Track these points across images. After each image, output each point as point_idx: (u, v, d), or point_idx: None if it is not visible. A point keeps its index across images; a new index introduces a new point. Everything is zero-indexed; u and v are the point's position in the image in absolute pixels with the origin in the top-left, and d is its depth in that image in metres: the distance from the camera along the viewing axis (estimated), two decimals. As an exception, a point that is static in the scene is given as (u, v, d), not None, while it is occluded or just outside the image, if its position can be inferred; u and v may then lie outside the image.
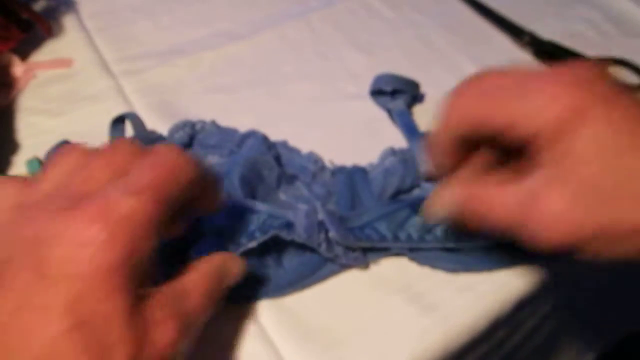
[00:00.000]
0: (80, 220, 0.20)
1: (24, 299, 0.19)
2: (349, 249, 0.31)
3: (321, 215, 0.30)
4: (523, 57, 0.46)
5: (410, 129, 0.38)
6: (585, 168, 0.21)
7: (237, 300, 0.30)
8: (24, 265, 0.20)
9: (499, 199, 0.24)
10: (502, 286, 0.32)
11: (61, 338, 0.19)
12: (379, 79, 0.41)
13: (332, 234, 0.30)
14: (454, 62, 0.45)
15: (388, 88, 0.40)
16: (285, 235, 0.29)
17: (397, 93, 0.40)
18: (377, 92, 0.41)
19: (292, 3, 0.50)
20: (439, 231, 0.31)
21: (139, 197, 0.21)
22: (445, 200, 0.27)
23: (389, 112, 0.40)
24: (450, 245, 0.31)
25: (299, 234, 0.30)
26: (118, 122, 0.36)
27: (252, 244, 0.29)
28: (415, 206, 0.31)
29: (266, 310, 0.30)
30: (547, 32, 0.47)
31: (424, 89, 0.41)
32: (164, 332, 0.21)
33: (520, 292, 0.32)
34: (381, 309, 0.31)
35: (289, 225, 0.30)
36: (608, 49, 0.46)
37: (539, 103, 0.21)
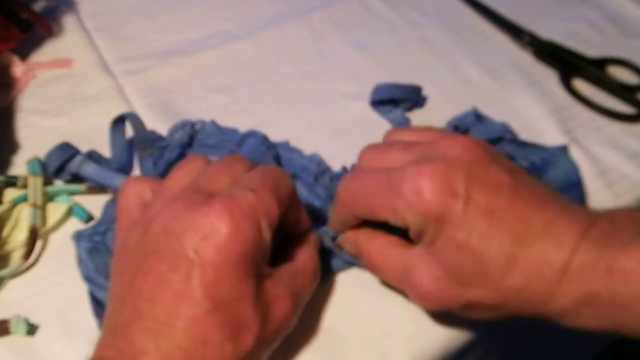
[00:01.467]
0: (208, 215, 0.23)
1: (164, 287, 0.22)
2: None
3: (328, 243, 0.31)
4: (523, 57, 0.46)
5: None
6: (446, 256, 0.24)
7: None
8: (161, 256, 0.23)
9: (382, 260, 0.28)
10: (502, 286, 0.32)
11: (203, 319, 0.22)
12: (377, 89, 0.41)
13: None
14: (454, 62, 0.45)
15: (386, 98, 0.40)
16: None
17: (396, 101, 0.40)
18: (376, 102, 0.41)
19: (292, 3, 0.50)
20: None
21: (256, 193, 0.24)
22: (345, 246, 0.31)
23: (390, 122, 0.40)
24: None
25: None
26: (118, 122, 0.36)
27: None
28: None
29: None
30: (547, 32, 0.47)
31: (424, 89, 0.41)
32: (281, 308, 0.24)
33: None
34: (381, 309, 0.31)
35: None
36: (608, 49, 0.46)
37: (405, 202, 0.24)
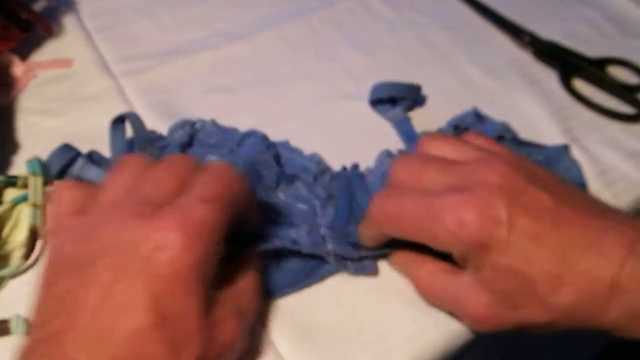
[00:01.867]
0: (160, 227, 0.22)
1: (107, 297, 0.21)
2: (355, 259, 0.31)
3: (323, 230, 0.31)
4: (523, 57, 0.46)
5: (410, 138, 0.38)
6: (494, 281, 0.25)
7: None
8: (105, 265, 0.22)
9: (431, 288, 0.29)
10: (502, 286, 0.32)
11: (145, 333, 0.21)
12: (377, 88, 0.41)
13: (333, 247, 0.30)
14: (454, 62, 0.45)
15: (385, 96, 0.40)
16: (292, 247, 0.30)
17: (396, 100, 0.40)
18: (376, 101, 0.41)
19: (292, 3, 0.50)
20: None
21: (209, 206, 0.23)
22: (394, 267, 0.31)
23: (390, 120, 0.40)
24: None
25: (305, 248, 0.30)
26: (118, 122, 0.36)
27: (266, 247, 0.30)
28: None
29: (266, 311, 0.30)
30: (547, 32, 0.47)
31: (424, 88, 0.41)
32: (226, 329, 0.24)
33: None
34: (381, 309, 0.31)
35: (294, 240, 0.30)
36: (608, 49, 0.46)
37: (448, 231, 0.24)
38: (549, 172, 0.27)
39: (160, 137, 0.37)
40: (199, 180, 0.25)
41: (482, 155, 0.28)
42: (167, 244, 0.22)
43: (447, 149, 0.29)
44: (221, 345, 0.23)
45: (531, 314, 0.25)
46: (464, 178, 0.26)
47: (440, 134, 0.31)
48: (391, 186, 0.29)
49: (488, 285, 0.25)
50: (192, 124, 0.37)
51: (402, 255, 0.30)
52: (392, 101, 0.40)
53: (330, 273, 0.31)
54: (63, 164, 0.35)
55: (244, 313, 0.26)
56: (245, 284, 0.27)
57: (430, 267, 0.28)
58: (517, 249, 0.24)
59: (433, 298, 0.29)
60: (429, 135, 0.31)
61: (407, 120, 0.39)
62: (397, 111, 0.40)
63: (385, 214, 0.27)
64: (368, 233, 0.30)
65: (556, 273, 0.24)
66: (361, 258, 0.31)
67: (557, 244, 0.24)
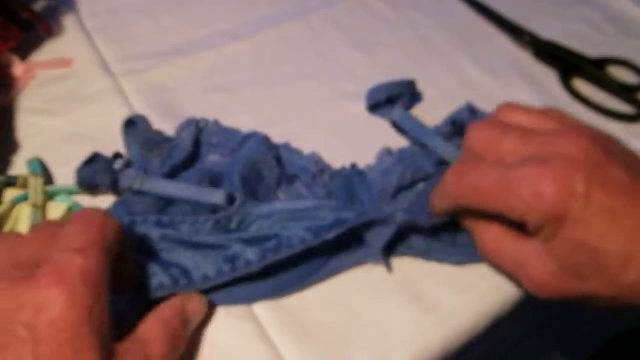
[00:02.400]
0: (38, 287, 0.21)
1: None
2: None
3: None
4: (523, 57, 0.46)
5: (420, 131, 0.37)
6: (564, 252, 0.25)
7: (237, 302, 0.30)
8: None
9: (496, 247, 0.28)
10: (502, 286, 0.32)
11: None
12: (372, 92, 0.40)
13: (402, 216, 0.30)
14: (454, 62, 0.45)
15: (382, 98, 0.40)
16: (359, 220, 0.30)
17: (393, 100, 0.40)
18: (374, 106, 0.40)
19: (292, 3, 0.50)
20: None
21: (84, 254, 0.22)
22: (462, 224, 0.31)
23: (393, 123, 0.39)
24: None
25: (373, 217, 0.30)
26: (129, 125, 0.36)
27: (331, 235, 0.29)
28: None
29: (266, 310, 0.30)
30: (547, 32, 0.47)
31: (424, 88, 0.41)
32: None
33: (520, 292, 0.32)
34: (381, 309, 0.31)
35: (339, 222, 0.30)
36: (608, 49, 0.46)
37: (525, 203, 0.25)
38: (627, 148, 0.27)
39: (167, 139, 0.36)
40: (68, 232, 0.23)
41: (562, 127, 0.27)
42: (47, 303, 0.20)
43: (525, 118, 0.29)
44: None
45: (596, 287, 0.25)
46: (542, 149, 0.26)
47: (519, 104, 0.30)
48: (467, 154, 0.29)
49: (556, 255, 0.25)
50: (197, 122, 0.37)
51: (470, 216, 0.30)
52: (389, 101, 0.40)
53: (331, 273, 0.31)
54: (94, 177, 0.33)
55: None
56: (153, 333, 0.25)
57: (498, 229, 0.28)
58: (591, 223, 0.24)
59: (497, 258, 0.29)
60: (508, 104, 0.30)
61: (411, 116, 0.39)
62: (397, 110, 0.39)
63: (461, 188, 0.27)
64: (441, 205, 0.30)
65: (628, 250, 0.24)
66: (432, 228, 0.31)
67: (631, 221, 0.24)
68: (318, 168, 0.35)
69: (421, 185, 0.35)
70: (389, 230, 0.31)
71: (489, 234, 0.29)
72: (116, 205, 0.33)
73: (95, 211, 0.25)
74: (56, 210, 0.34)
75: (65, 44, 0.46)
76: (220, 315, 0.30)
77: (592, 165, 0.24)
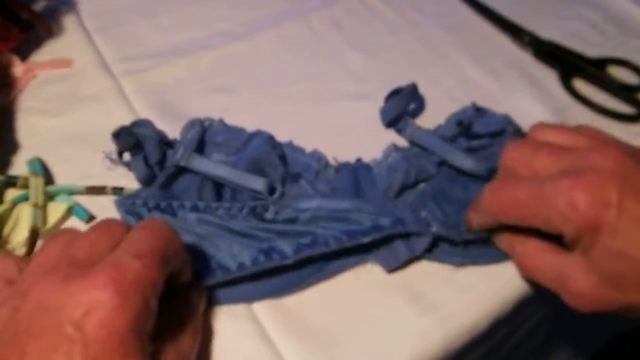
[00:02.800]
0: (91, 286, 0.21)
1: None
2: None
3: (424, 214, 0.32)
4: (523, 57, 0.46)
5: (439, 146, 0.36)
6: (603, 263, 0.25)
7: (237, 301, 0.30)
8: (36, 335, 0.20)
9: (536, 263, 0.29)
10: (502, 286, 0.32)
11: None
12: (385, 110, 0.39)
13: (437, 229, 0.31)
14: (454, 62, 0.45)
15: (396, 114, 0.39)
16: (397, 230, 0.30)
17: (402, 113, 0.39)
18: (390, 123, 0.40)
19: (292, 3, 0.50)
20: None
21: (143, 261, 0.22)
22: (500, 245, 0.31)
23: (410, 142, 0.38)
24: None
25: (410, 228, 0.31)
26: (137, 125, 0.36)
27: (366, 240, 0.30)
28: None
29: (266, 310, 0.30)
30: (547, 32, 0.47)
31: (424, 89, 0.41)
32: None
33: (520, 292, 0.32)
34: (381, 309, 0.31)
35: (376, 228, 0.31)
36: (608, 49, 0.46)
37: (560, 214, 0.25)
38: None
39: (172, 141, 0.36)
40: (131, 237, 0.24)
41: (595, 143, 0.28)
42: (98, 304, 0.20)
43: (559, 136, 0.29)
44: None
45: (637, 297, 0.25)
46: (576, 163, 0.26)
47: (552, 123, 0.31)
48: (502, 173, 0.30)
49: (596, 266, 0.26)
50: (201, 122, 0.37)
51: (507, 233, 0.30)
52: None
53: (331, 274, 0.31)
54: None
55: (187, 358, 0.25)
56: (186, 334, 0.26)
57: (536, 244, 0.29)
58: (627, 232, 0.24)
59: (537, 273, 0.29)
60: (540, 123, 0.31)
61: (424, 131, 0.37)
62: (410, 126, 0.38)
63: (498, 203, 0.28)
64: (479, 220, 0.30)
65: None
66: (465, 241, 0.31)
67: None
68: (320, 164, 0.35)
69: (422, 186, 0.35)
70: (425, 240, 0.31)
71: (528, 250, 0.29)
72: (126, 198, 0.33)
73: (161, 222, 0.25)
74: (56, 210, 0.34)
75: (65, 44, 0.46)
76: (220, 315, 0.30)
77: (624, 176, 0.25)
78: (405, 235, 0.31)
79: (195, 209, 0.31)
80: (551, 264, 0.28)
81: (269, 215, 0.32)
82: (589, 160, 0.26)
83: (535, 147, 0.29)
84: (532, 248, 0.29)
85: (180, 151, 0.33)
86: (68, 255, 0.23)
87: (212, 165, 0.33)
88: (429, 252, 0.32)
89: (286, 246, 0.30)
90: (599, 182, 0.25)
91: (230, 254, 0.29)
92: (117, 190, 0.34)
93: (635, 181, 0.25)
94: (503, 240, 0.31)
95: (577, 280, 0.26)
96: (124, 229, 0.25)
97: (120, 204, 0.32)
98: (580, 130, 0.30)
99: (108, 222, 0.25)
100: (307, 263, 0.31)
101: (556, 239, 0.27)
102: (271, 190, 0.32)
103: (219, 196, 0.33)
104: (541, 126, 0.31)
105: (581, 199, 0.25)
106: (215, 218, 0.31)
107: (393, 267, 0.31)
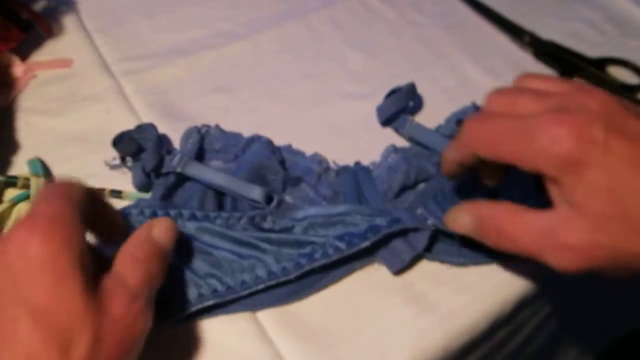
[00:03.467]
0: (12, 239, 0.22)
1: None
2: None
3: (420, 210, 0.32)
4: (523, 57, 0.46)
5: (439, 142, 0.36)
6: (590, 203, 0.24)
7: (242, 310, 0.30)
8: None
9: (513, 225, 0.26)
10: (502, 286, 0.32)
11: (24, 334, 0.21)
12: (381, 108, 0.40)
13: (434, 222, 0.31)
14: (454, 62, 0.45)
15: (392, 112, 0.39)
16: (395, 227, 0.30)
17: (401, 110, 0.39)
18: (386, 121, 0.40)
19: (292, 3, 0.50)
20: None
21: (47, 202, 0.24)
22: (461, 221, 0.29)
23: (410, 140, 0.38)
24: None
25: (408, 224, 0.30)
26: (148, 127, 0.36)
27: (365, 244, 0.30)
28: None
29: (266, 311, 0.30)
30: (547, 32, 0.47)
31: (424, 89, 0.41)
32: (117, 300, 0.23)
33: (521, 292, 0.32)
34: (381, 309, 0.31)
35: (372, 229, 0.30)
36: (608, 49, 0.46)
37: (542, 148, 0.24)
38: None
39: (172, 150, 0.36)
40: (34, 201, 0.26)
41: (582, 87, 0.27)
42: (23, 245, 0.22)
43: (545, 84, 0.28)
44: (115, 317, 0.23)
45: (626, 240, 0.24)
46: (561, 104, 0.25)
47: (537, 73, 0.30)
48: (485, 112, 0.28)
49: (584, 210, 0.24)
50: (198, 129, 0.36)
51: (471, 202, 0.29)
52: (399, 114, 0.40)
53: (331, 282, 0.31)
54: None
55: (132, 286, 0.25)
56: (124, 265, 0.26)
57: (509, 206, 0.27)
58: (613, 170, 0.23)
59: (514, 238, 0.26)
60: (527, 73, 0.30)
61: (423, 128, 0.38)
62: (408, 123, 0.38)
63: (477, 134, 0.27)
64: (453, 155, 0.29)
65: None
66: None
67: None
68: (322, 168, 0.35)
69: (422, 186, 0.35)
70: (424, 235, 0.31)
71: (500, 211, 0.27)
72: (125, 208, 0.33)
73: (65, 183, 0.26)
74: (56, 210, 0.34)
75: (65, 44, 0.46)
76: (221, 315, 0.30)
77: (612, 116, 0.24)
78: (404, 233, 0.31)
79: (193, 217, 0.31)
80: (531, 222, 0.26)
81: (267, 224, 0.32)
82: (575, 100, 0.25)
83: (518, 91, 0.28)
84: (505, 210, 0.27)
85: (177, 158, 0.33)
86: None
87: (210, 173, 0.33)
88: (429, 251, 0.32)
89: (287, 262, 0.30)
90: (584, 119, 0.24)
91: (231, 272, 0.29)
92: (115, 193, 0.34)
93: (621, 122, 0.24)
94: (465, 210, 0.29)
95: (568, 231, 0.24)
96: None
97: None
98: (565, 79, 0.29)
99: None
100: (311, 272, 0.31)
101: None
102: (269, 199, 0.32)
103: (220, 206, 0.33)
104: (526, 75, 0.30)
105: (565, 133, 0.23)
106: (214, 226, 0.31)
107: (398, 268, 0.31)
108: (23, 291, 0.21)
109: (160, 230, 0.28)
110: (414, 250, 0.31)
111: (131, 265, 0.25)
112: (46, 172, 0.36)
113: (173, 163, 0.33)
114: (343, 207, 0.32)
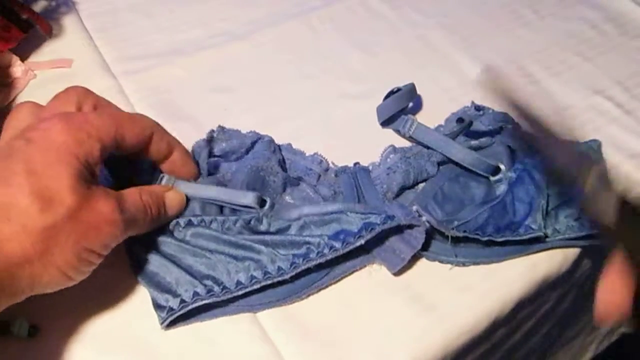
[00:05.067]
0: (47, 121, 0.27)
1: None
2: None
3: (416, 207, 0.31)
4: (523, 57, 0.46)
5: (441, 142, 0.36)
6: None
7: (242, 311, 0.30)
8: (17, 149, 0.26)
9: None
10: (502, 286, 0.32)
11: (13, 184, 0.24)
12: (381, 109, 0.40)
13: (427, 218, 0.31)
14: (454, 62, 0.45)
15: (392, 113, 0.39)
16: (385, 227, 0.30)
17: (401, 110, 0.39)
18: (386, 122, 0.40)
19: (292, 3, 0.50)
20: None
21: (92, 116, 0.28)
22: None
23: (411, 139, 0.38)
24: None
25: (402, 220, 0.30)
26: None
27: (360, 242, 0.30)
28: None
29: (266, 311, 0.30)
30: (547, 32, 0.47)
31: (424, 88, 0.41)
32: (104, 205, 0.26)
33: (520, 292, 0.32)
34: (381, 309, 0.31)
35: (367, 226, 0.30)
36: (608, 49, 0.46)
37: None
38: None
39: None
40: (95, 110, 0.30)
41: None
42: (48, 125, 0.26)
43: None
44: (97, 215, 0.25)
45: None
46: None
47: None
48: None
49: None
50: (208, 142, 0.35)
51: None
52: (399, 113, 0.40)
53: (330, 282, 0.31)
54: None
55: (126, 210, 0.27)
56: (130, 194, 0.28)
57: None
58: None
59: None
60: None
61: (425, 127, 0.37)
62: (410, 124, 0.38)
63: None
64: None
65: None
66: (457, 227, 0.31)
67: None
68: (322, 168, 0.35)
69: (421, 186, 0.35)
70: (420, 232, 0.31)
71: None
72: None
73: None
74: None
75: (65, 44, 0.46)
76: (221, 316, 0.30)
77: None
78: (400, 231, 0.31)
79: (190, 224, 0.31)
80: None
81: (263, 227, 0.32)
82: None
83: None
84: None
85: (164, 180, 0.32)
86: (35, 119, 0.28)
87: (201, 189, 0.32)
88: (426, 250, 0.32)
89: (282, 262, 0.30)
90: None
91: (227, 273, 0.29)
92: None
93: None
94: None
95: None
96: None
97: None
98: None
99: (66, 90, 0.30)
100: (308, 272, 0.30)
101: None
102: (262, 203, 0.32)
103: (221, 211, 0.33)
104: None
105: None
106: (210, 231, 0.31)
107: (398, 267, 0.31)
108: (29, 156, 0.25)
109: (173, 198, 0.31)
110: (412, 248, 0.31)
111: (134, 198, 0.28)
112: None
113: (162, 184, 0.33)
114: (337, 205, 0.32)
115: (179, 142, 0.32)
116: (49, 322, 0.29)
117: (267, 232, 0.31)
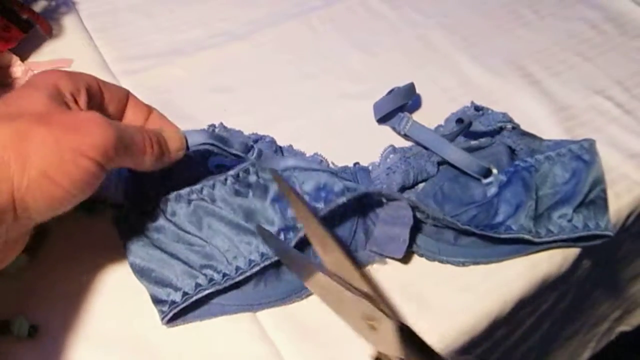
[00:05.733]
0: (52, 71, 0.28)
1: None
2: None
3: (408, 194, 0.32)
4: (522, 57, 0.46)
5: (435, 142, 0.36)
6: None
7: (242, 311, 0.30)
8: None
9: None
10: (502, 286, 0.32)
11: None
12: (378, 105, 0.40)
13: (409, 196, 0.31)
14: (454, 62, 0.45)
15: (389, 110, 0.39)
16: (370, 190, 0.31)
17: (399, 108, 0.39)
18: (382, 118, 0.40)
19: (292, 3, 0.50)
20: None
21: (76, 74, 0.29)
22: None
23: (405, 136, 0.39)
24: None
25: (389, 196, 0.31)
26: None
27: (342, 200, 0.30)
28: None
29: (266, 311, 0.30)
30: (548, 32, 0.47)
31: (424, 88, 0.41)
32: (87, 112, 0.26)
33: (520, 292, 0.32)
34: (381, 309, 0.31)
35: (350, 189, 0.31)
36: (608, 49, 0.46)
37: None
38: None
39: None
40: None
41: None
42: (51, 74, 0.27)
43: None
44: (77, 115, 0.25)
45: None
46: None
47: None
48: None
49: None
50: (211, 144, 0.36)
51: None
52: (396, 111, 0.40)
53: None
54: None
55: (119, 129, 0.27)
56: (132, 124, 0.29)
57: None
58: None
59: None
60: None
61: (421, 126, 0.38)
62: (405, 122, 0.38)
63: None
64: None
65: None
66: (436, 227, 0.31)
67: None
68: (322, 168, 0.35)
69: (421, 186, 0.35)
70: (404, 206, 0.30)
71: None
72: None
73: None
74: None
75: (65, 44, 0.46)
76: (221, 315, 0.30)
77: None
78: (391, 222, 0.31)
79: (179, 198, 0.30)
80: None
81: (252, 178, 0.31)
82: None
83: None
84: None
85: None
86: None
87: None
88: (429, 252, 0.32)
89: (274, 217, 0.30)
90: None
91: (225, 261, 0.29)
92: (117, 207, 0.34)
93: None
94: None
95: None
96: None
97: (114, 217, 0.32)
98: None
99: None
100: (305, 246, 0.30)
101: None
102: (248, 150, 0.32)
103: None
104: None
105: None
106: (206, 204, 0.30)
107: (403, 250, 0.31)
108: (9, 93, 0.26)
109: (171, 132, 0.30)
110: (406, 226, 0.30)
111: (128, 122, 0.30)
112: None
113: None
114: (322, 166, 0.32)
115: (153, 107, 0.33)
116: (49, 322, 0.29)
117: (257, 185, 0.31)
